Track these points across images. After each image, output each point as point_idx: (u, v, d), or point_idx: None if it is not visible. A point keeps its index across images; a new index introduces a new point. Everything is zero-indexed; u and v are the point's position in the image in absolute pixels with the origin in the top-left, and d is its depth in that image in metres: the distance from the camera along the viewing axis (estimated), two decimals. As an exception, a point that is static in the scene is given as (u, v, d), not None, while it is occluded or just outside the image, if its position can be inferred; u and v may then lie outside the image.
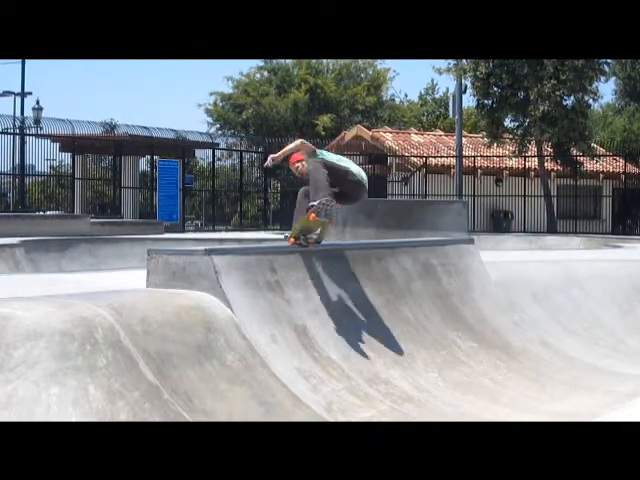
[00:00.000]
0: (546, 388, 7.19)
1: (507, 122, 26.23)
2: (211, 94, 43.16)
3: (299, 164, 7.00)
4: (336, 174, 6.72)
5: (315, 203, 6.50)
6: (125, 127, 25.81)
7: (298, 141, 7.04)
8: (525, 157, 27.29)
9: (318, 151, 6.88)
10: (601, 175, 29.82)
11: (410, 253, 8.20)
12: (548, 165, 27.72)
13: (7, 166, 24.82)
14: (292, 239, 6.90)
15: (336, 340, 6.26)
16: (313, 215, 6.54)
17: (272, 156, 7.01)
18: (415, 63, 71.78)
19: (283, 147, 7.20)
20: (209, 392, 5.12)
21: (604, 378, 7.67)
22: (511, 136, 26.16)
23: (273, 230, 26.40)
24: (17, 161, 26.57)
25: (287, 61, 41.50)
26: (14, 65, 55.22)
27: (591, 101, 25.11)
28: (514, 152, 25.93)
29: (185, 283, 6.14)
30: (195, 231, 26.30)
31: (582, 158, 26.25)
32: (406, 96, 48.77)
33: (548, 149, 26.93)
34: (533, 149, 26.75)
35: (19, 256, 13.06)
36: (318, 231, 6.94)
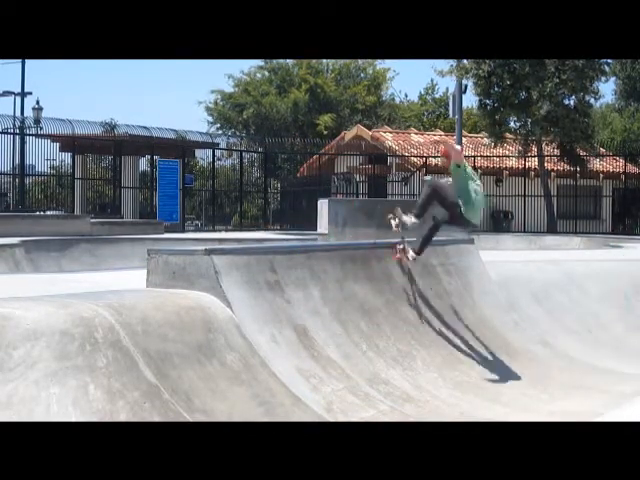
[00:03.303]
0: (546, 388, 7.19)
1: (509, 122, 26.18)
2: (212, 92, 43.18)
3: (445, 160, 8.15)
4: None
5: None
6: (125, 127, 25.78)
7: (459, 148, 8.48)
8: (525, 157, 27.27)
9: (463, 165, 7.90)
10: (601, 175, 29.78)
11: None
12: (548, 165, 27.70)
13: (7, 166, 24.81)
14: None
15: (336, 340, 6.25)
16: None
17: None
18: (415, 63, 71.89)
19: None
20: (209, 392, 5.12)
21: (604, 378, 7.66)
22: (513, 136, 26.12)
23: (273, 230, 26.38)
24: (17, 161, 26.56)
25: (287, 61, 41.53)
26: (14, 65, 55.23)
27: (592, 100, 25.09)
28: (518, 152, 25.88)
29: (185, 283, 6.14)
30: (195, 231, 26.27)
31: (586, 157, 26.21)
32: (406, 96, 48.89)
33: (549, 149, 26.91)
34: (533, 149, 26.73)
35: (19, 256, 13.05)
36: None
